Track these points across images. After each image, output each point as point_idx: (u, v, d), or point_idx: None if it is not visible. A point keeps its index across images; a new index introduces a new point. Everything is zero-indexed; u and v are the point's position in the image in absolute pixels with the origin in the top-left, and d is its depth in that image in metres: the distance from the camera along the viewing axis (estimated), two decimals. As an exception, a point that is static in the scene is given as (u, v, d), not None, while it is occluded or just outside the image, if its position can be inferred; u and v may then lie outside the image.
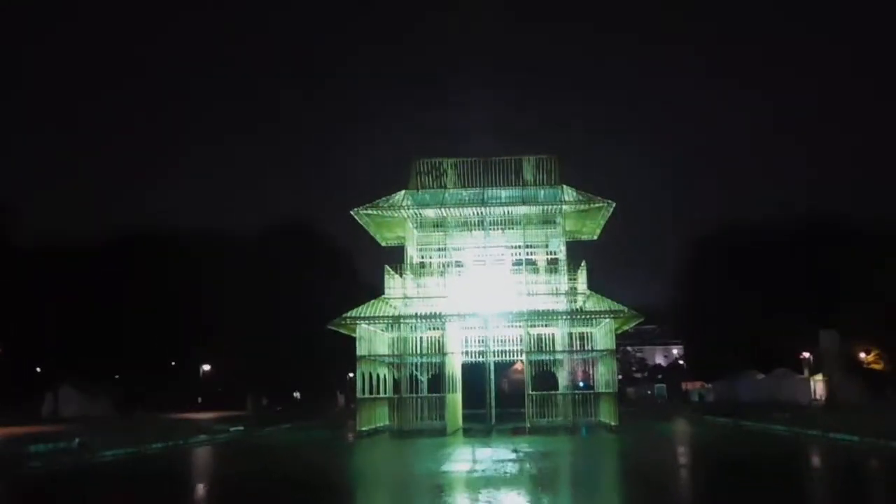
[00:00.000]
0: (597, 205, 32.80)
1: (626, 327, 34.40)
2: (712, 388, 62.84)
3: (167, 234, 62.82)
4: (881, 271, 53.49)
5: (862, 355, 60.06)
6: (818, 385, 57.82)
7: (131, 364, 59.03)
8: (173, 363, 65.20)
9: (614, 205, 32.65)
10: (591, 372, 38.82)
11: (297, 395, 69.68)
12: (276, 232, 60.79)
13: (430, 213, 33.61)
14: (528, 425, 31.43)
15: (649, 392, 61.80)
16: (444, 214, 33.64)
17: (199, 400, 62.29)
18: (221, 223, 63.94)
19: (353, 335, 32.53)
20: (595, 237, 37.26)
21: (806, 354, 60.19)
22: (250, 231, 61.72)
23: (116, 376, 61.25)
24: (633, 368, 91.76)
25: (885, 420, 26.58)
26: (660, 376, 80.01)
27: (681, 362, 79.49)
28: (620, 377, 35.07)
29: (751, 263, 61.10)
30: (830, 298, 56.26)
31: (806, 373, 59.25)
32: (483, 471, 18.60)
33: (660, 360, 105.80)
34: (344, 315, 31.58)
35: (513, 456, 22.09)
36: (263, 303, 56.02)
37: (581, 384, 36.36)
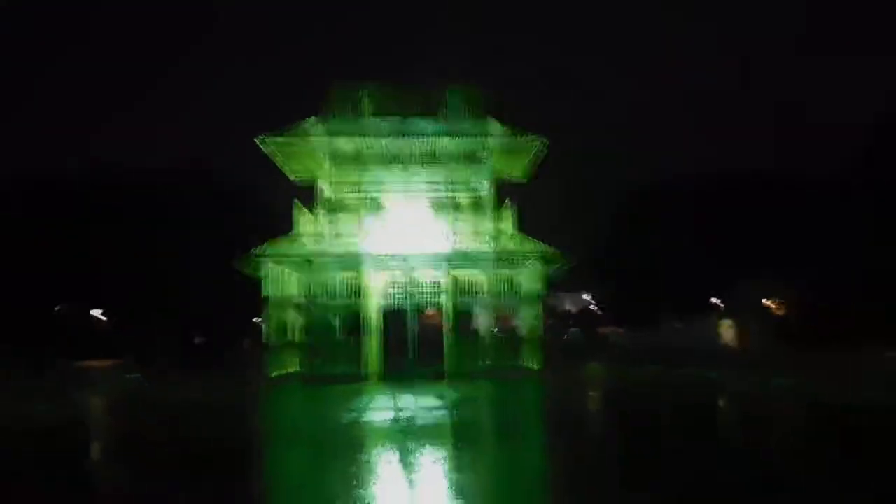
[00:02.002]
0: (526, 140, 30.78)
1: (553, 269, 32.98)
2: (626, 333, 63.35)
3: (55, 174, 57.24)
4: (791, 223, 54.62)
5: (767, 302, 61.70)
6: (728, 331, 59.23)
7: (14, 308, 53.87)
8: (57, 308, 60.10)
9: (546, 142, 30.68)
10: (511, 317, 37.40)
11: (197, 340, 65.84)
12: (173, 169, 56.14)
13: (344, 143, 30.84)
14: (449, 371, 29.78)
15: (565, 337, 61.60)
16: (361, 145, 30.96)
17: (90, 348, 57.76)
18: (114, 161, 58.26)
19: (260, 276, 29.75)
20: (525, 178, 35.28)
21: (716, 300, 61.40)
22: (144, 169, 56.57)
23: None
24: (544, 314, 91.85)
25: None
26: (571, 322, 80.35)
27: (593, 307, 79.98)
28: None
29: (671, 214, 61.23)
30: (743, 249, 57.09)
31: (716, 319, 60.50)
32: (407, 419, 16.67)
33: (570, 306, 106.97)
34: (249, 252, 28.70)
35: (438, 402, 20.31)
36: (160, 244, 51.85)
37: (494, 330, 34.76)
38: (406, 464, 11.51)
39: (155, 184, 54.21)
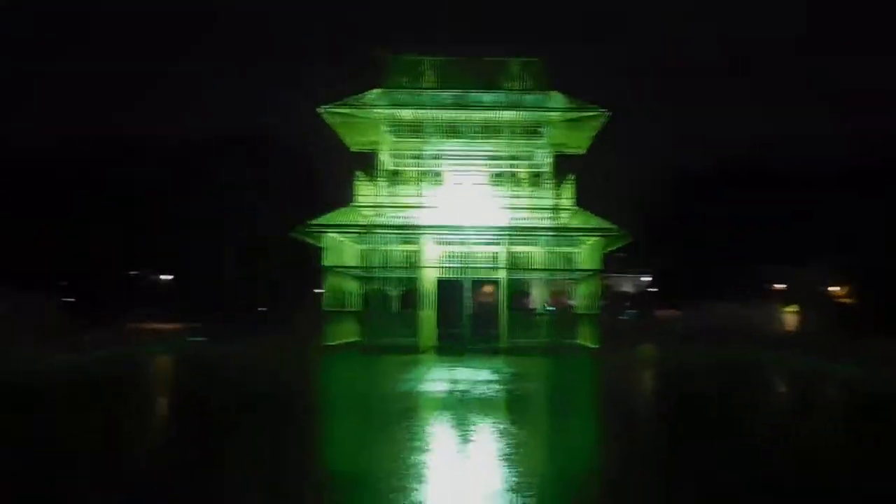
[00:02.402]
0: (589, 113, 30.18)
1: (612, 247, 32.47)
2: (683, 315, 62.12)
3: (126, 141, 58.88)
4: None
5: (833, 289, 59.86)
6: (787, 316, 57.58)
7: (86, 272, 55.99)
8: (133, 273, 62.25)
9: (609, 114, 30.02)
10: (567, 294, 37.01)
11: (261, 309, 67.31)
12: (238, 138, 57.11)
13: (406, 114, 30.75)
14: (504, 345, 29.71)
15: (621, 317, 60.75)
16: (422, 117, 30.83)
17: (159, 311, 59.62)
18: (178, 131, 59.57)
19: (319, 245, 30.08)
20: (584, 151, 34.73)
21: (780, 286, 59.85)
22: (208, 138, 57.75)
23: (65, 283, 58.17)
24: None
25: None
26: (628, 303, 79.22)
27: (652, 290, 78.67)
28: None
29: (733, 196, 59.74)
30: (808, 235, 55.55)
31: (778, 305, 58.88)
32: (463, 392, 16.69)
33: (627, 287, 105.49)
34: (310, 222, 29.01)
35: (493, 376, 20.28)
36: (223, 212, 53.05)
37: (551, 308, 34.45)
38: (461, 433, 11.51)
39: (219, 152, 55.32)
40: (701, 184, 62.56)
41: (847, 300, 60.16)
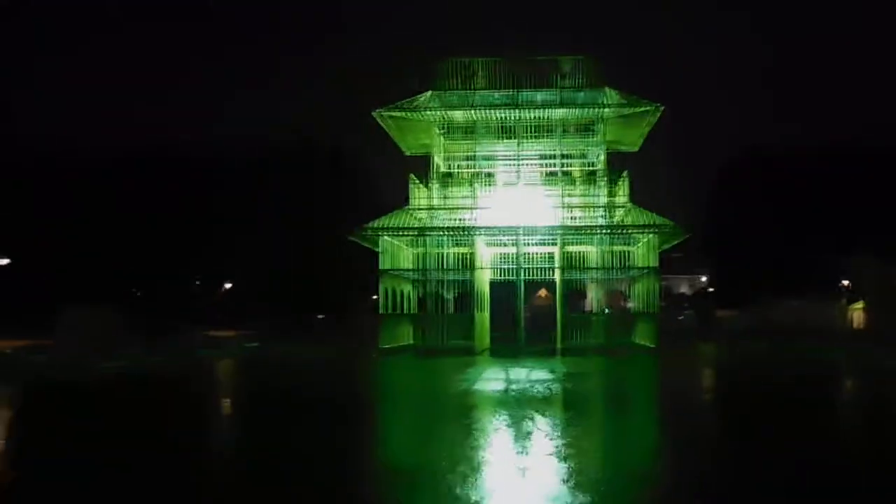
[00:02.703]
0: (642, 108, 29.74)
1: (668, 245, 31.90)
2: (741, 315, 60.56)
3: (180, 151, 60.37)
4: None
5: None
6: (855, 314, 55.66)
7: (152, 281, 57.62)
8: (197, 282, 63.81)
9: (662, 108, 29.55)
10: (624, 294, 36.48)
11: (320, 316, 68.09)
12: (291, 144, 58.00)
13: (458, 115, 30.81)
14: (561, 346, 29.44)
15: (680, 318, 59.57)
16: (474, 117, 30.86)
17: (219, 317, 60.89)
18: (231, 140, 60.68)
19: (376, 249, 30.31)
20: (636, 148, 34.28)
21: (845, 282, 57.82)
22: (262, 145, 58.80)
23: (137, 293, 59.93)
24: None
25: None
26: (685, 304, 77.72)
27: (710, 290, 77.00)
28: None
29: (787, 188, 58.04)
30: (866, 223, 53.63)
31: (843, 301, 56.93)
32: (520, 390, 16.60)
33: (684, 289, 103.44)
34: (366, 226, 29.27)
35: (550, 376, 20.11)
36: (281, 219, 53.90)
37: (607, 307, 33.98)
38: (518, 431, 11.43)
39: (269, 159, 56.26)
40: (761, 170, 60.72)
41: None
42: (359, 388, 18.69)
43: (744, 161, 62.09)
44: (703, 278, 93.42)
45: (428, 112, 30.25)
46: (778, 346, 31.64)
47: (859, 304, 54.80)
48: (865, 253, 52.83)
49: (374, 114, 30.05)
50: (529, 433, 11.19)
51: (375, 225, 29.28)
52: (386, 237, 29.55)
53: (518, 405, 14.26)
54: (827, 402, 16.32)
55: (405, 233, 29.91)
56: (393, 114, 30.28)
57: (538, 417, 12.61)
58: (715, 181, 64.88)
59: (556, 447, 10.18)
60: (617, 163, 32.60)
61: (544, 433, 11.18)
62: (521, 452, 9.98)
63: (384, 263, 29.54)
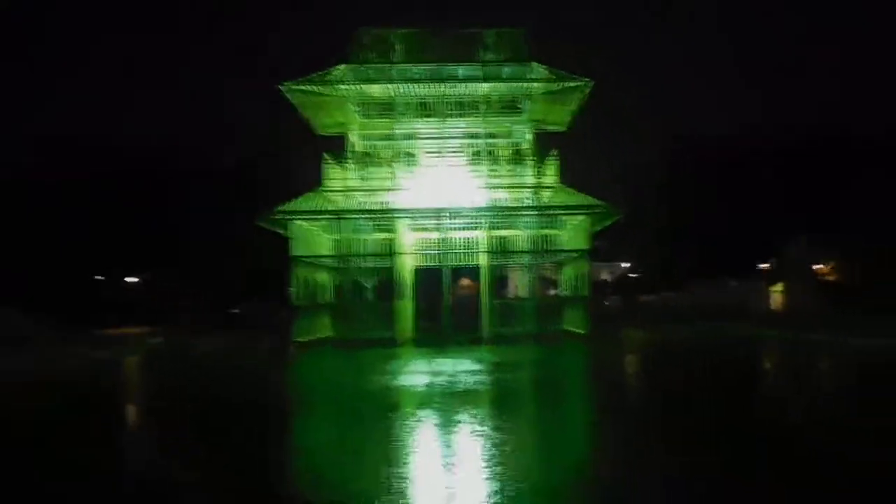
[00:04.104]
0: (572, 84, 28.24)
1: (599, 227, 30.60)
2: (664, 299, 60.81)
3: (85, 143, 56.04)
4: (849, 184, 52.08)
5: (819, 267, 58.82)
6: (774, 295, 56.52)
7: (57, 278, 53.18)
8: (99, 278, 59.43)
9: (591, 84, 28.12)
10: (553, 278, 35.23)
11: (234, 310, 64.63)
12: (201, 132, 54.62)
13: (375, 90, 28.62)
14: (488, 334, 27.81)
15: (606, 303, 59.21)
16: (393, 93, 28.73)
17: (126, 315, 56.88)
18: (132, 131, 56.82)
19: (287, 235, 27.91)
20: (565, 128, 32.78)
21: (765, 265, 58.75)
22: (168, 134, 55.29)
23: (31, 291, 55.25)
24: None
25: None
26: (609, 290, 77.84)
27: (633, 275, 77.30)
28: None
29: (718, 174, 58.30)
30: (794, 211, 54.40)
31: (764, 284, 57.80)
32: (447, 383, 14.74)
33: (606, 276, 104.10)
34: (276, 209, 26.82)
35: (478, 367, 18.35)
36: (187, 210, 50.55)
37: (535, 292, 32.55)
38: (445, 438, 9.61)
39: (178, 151, 52.85)
40: (684, 158, 60.84)
41: (831, 277, 59.21)
42: (263, 387, 16.37)
43: (669, 147, 62.05)
44: (625, 265, 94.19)
45: (342, 86, 27.96)
46: (705, 330, 31.05)
47: (779, 287, 55.62)
48: (786, 238, 53.78)
49: (281, 88, 27.55)
50: (458, 440, 9.34)
51: (286, 208, 26.86)
52: (298, 221, 27.18)
53: (445, 404, 12.40)
54: (756, 381, 15.19)
55: (319, 216, 27.58)
56: (303, 88, 27.83)
57: (467, 419, 10.76)
58: (640, 166, 64.73)
59: (491, 456, 8.35)
60: (547, 143, 31.13)
61: (475, 439, 9.35)
62: (449, 466, 8.12)
63: (296, 250, 27.17)
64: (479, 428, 9.90)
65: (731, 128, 61.96)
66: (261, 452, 9.06)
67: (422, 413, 11.63)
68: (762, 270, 58.92)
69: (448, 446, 9.00)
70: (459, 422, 10.38)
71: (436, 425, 10.36)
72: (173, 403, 13.52)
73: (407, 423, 10.70)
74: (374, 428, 10.44)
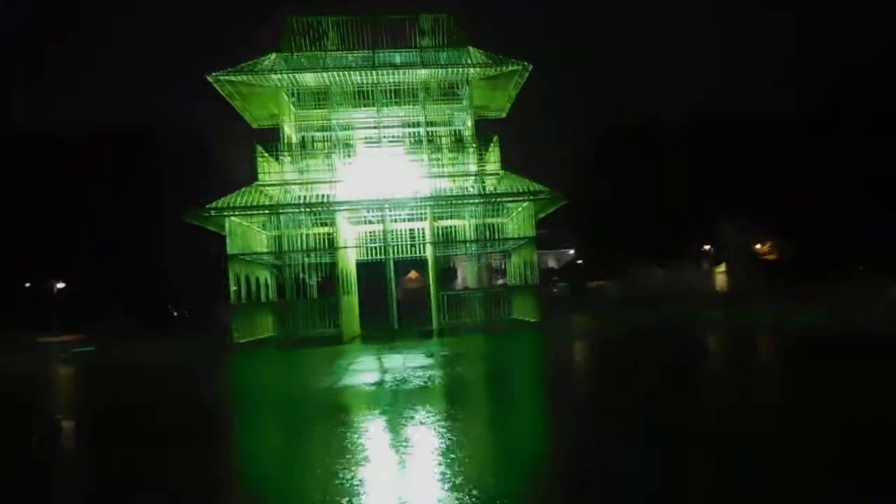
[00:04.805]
0: (510, 68, 27.63)
1: (544, 213, 30.08)
2: (612, 284, 61.19)
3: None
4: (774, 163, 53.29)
5: (757, 246, 60.03)
6: (718, 276, 57.45)
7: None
8: (27, 284, 56.37)
9: (530, 68, 27.56)
10: (501, 266, 34.67)
11: (175, 312, 62.13)
12: (121, 128, 52.01)
13: (309, 78, 27.43)
14: (437, 327, 27.05)
15: (554, 291, 59.24)
16: (327, 81, 27.60)
17: (55, 321, 54.11)
18: (54, 126, 53.97)
19: (223, 233, 26.57)
20: (504, 114, 32.27)
21: (707, 247, 59.64)
22: (88, 131, 52.32)
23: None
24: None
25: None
26: (555, 278, 78.13)
27: (579, 262, 77.67)
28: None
29: (652, 158, 58.66)
30: (728, 193, 55.24)
31: (707, 265, 58.70)
32: (398, 381, 13.89)
33: (552, 263, 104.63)
34: (208, 206, 25.45)
35: (430, 361, 17.54)
36: (118, 209, 48.23)
37: (483, 281, 31.92)
38: (394, 432, 8.77)
39: (109, 146, 50.33)
40: (621, 141, 61.22)
41: (770, 256, 60.48)
42: (196, 393, 15.18)
43: (612, 131, 62.24)
44: (571, 251, 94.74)
45: (274, 75, 26.68)
46: (656, 313, 31.01)
47: (722, 268, 56.53)
48: (726, 220, 54.69)
49: (210, 78, 26.17)
50: (413, 443, 8.51)
51: (219, 204, 25.52)
52: (233, 218, 25.87)
53: (396, 402, 11.54)
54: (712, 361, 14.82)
55: (254, 211, 26.29)
56: (232, 78, 26.50)
57: (422, 419, 9.92)
58: (583, 152, 64.87)
59: (450, 461, 7.54)
60: (488, 130, 30.47)
61: (432, 440, 8.53)
62: (404, 473, 7.28)
63: (233, 247, 25.88)
64: (435, 429, 9.08)
65: (668, 113, 62.27)
66: (191, 466, 8.06)
67: (371, 415, 10.76)
68: (705, 252, 59.81)
69: (402, 451, 8.15)
70: (414, 423, 9.54)
71: (387, 428, 9.49)
72: (93, 415, 12.30)
73: (356, 427, 9.79)
74: (320, 434, 9.53)
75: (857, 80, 54.69)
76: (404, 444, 8.48)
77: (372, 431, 9.35)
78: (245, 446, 9.61)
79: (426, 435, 8.73)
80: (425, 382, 13.52)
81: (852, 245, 49.42)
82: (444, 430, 8.99)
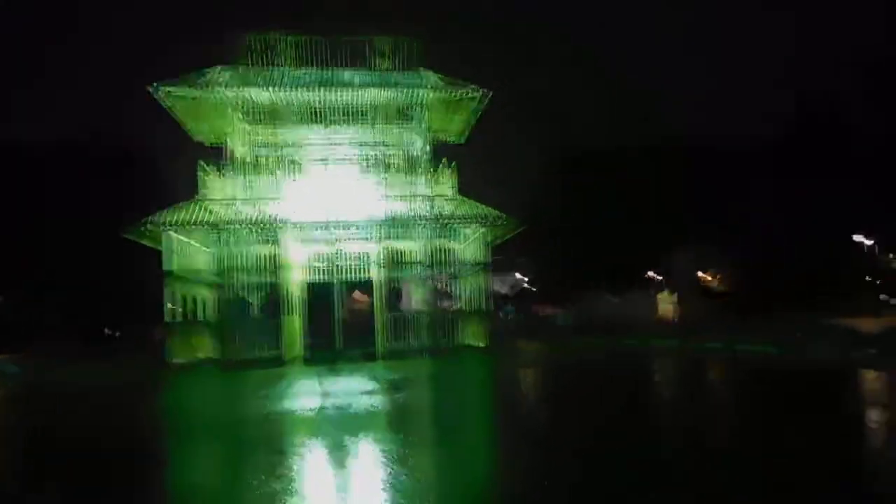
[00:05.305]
0: (467, 93, 27.34)
1: (500, 239, 29.74)
2: (562, 312, 61.33)
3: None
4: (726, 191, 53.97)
5: (705, 276, 60.87)
6: (665, 304, 57.98)
7: None
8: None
9: (490, 94, 27.32)
10: (450, 291, 34.17)
11: (108, 331, 59.82)
12: (59, 139, 50.25)
13: (258, 94, 26.66)
14: (382, 350, 26.38)
15: (501, 315, 58.98)
16: (278, 98, 26.91)
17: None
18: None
19: (160, 248, 25.54)
20: (462, 139, 31.87)
21: (652, 274, 60.19)
22: (32, 142, 50.44)
23: None
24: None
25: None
26: (506, 304, 78.00)
27: (528, 286, 77.75)
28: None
29: (605, 184, 59.11)
30: (679, 220, 55.77)
31: (654, 294, 59.22)
32: (337, 407, 13.23)
33: (503, 288, 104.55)
34: (144, 220, 24.42)
35: (373, 386, 16.91)
36: (54, 223, 46.37)
37: (432, 305, 31.44)
38: (334, 462, 8.17)
39: (45, 157, 48.50)
40: (573, 169, 61.55)
41: (718, 286, 61.34)
42: (125, 418, 14.23)
43: (564, 158, 62.56)
44: (523, 277, 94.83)
45: (222, 90, 25.87)
46: (607, 342, 30.85)
47: (665, 296, 57.05)
48: (676, 248, 55.19)
49: (151, 90, 25.20)
50: (353, 475, 7.92)
51: (157, 219, 24.51)
52: (171, 233, 24.88)
53: (336, 431, 10.87)
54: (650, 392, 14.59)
55: (194, 227, 25.30)
56: (177, 90, 25.60)
57: (362, 448, 9.31)
58: (538, 179, 65.08)
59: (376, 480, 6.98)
60: (446, 154, 30.16)
61: (372, 473, 7.95)
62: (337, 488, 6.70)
63: (170, 264, 24.86)
64: (376, 460, 8.49)
65: (621, 139, 62.80)
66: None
67: (309, 443, 10.10)
68: (651, 280, 60.32)
69: (341, 485, 7.54)
70: (353, 453, 8.93)
71: (327, 458, 8.86)
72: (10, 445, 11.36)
73: (292, 456, 9.13)
74: (252, 464, 8.85)
75: (816, 110, 55.71)
76: (341, 473, 7.88)
77: (307, 460, 8.71)
78: (180, 475, 8.87)
79: (363, 464, 8.15)
80: (366, 408, 12.91)
81: (801, 275, 49.97)
82: (384, 459, 8.41)
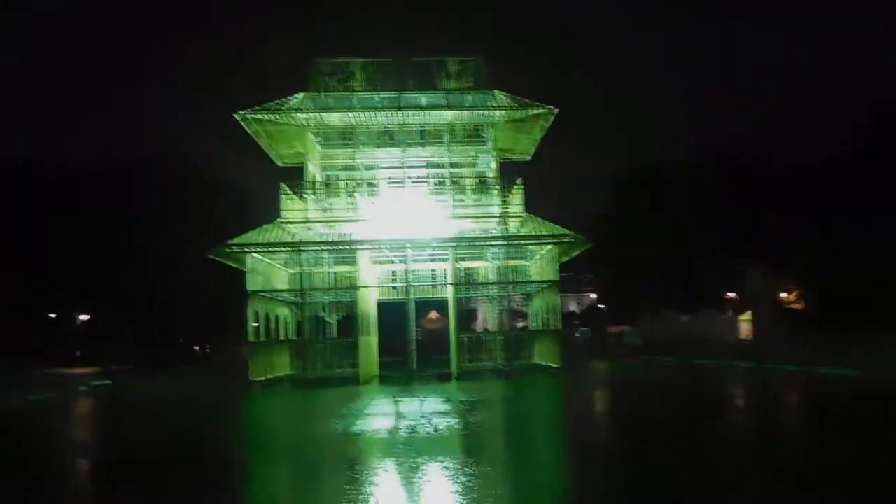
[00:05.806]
0: (535, 111, 27.63)
1: (567, 257, 29.79)
2: (635, 330, 60.31)
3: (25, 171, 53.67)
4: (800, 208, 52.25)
5: (784, 295, 58.93)
6: (742, 325, 56.43)
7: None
8: (52, 315, 56.76)
9: (556, 112, 27.54)
10: (523, 310, 34.28)
11: (197, 348, 62.11)
12: (149, 162, 52.58)
13: (334, 118, 27.60)
14: (456, 371, 26.64)
15: (576, 335, 58.52)
16: (353, 121, 27.74)
17: (78, 353, 54.36)
18: (80, 158, 54.66)
19: (243, 269, 26.57)
20: (529, 157, 32.25)
21: (731, 294, 58.61)
22: (117, 163, 53.03)
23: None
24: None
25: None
26: (577, 322, 77.32)
27: (601, 306, 76.83)
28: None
29: (676, 202, 58.00)
30: (755, 238, 54.23)
31: (731, 313, 57.69)
32: (412, 429, 13.52)
33: (573, 307, 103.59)
34: (230, 241, 25.49)
35: (448, 407, 17.15)
36: (145, 243, 48.53)
37: (505, 324, 31.54)
38: (408, 487, 8.42)
39: (133, 180, 50.90)
40: (646, 186, 60.57)
41: (796, 305, 59.34)
42: (204, 433, 14.88)
43: (634, 174, 61.73)
44: (593, 295, 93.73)
45: (301, 114, 26.91)
46: (682, 362, 30.29)
47: (746, 316, 55.51)
48: (750, 265, 53.69)
49: (237, 117, 26.45)
50: (417, 490, 8.15)
51: (241, 241, 25.55)
52: (254, 254, 25.87)
53: (411, 453, 11.13)
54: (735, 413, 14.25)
55: (276, 248, 26.29)
56: (260, 117, 26.77)
57: (436, 473, 9.54)
58: (605, 195, 64.39)
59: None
60: (513, 172, 30.44)
61: (434, 490, 8.18)
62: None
63: (253, 284, 25.83)
64: (450, 485, 8.71)
65: (697, 154, 61.37)
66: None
67: (382, 466, 10.39)
68: (728, 300, 58.80)
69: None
70: (426, 478, 9.17)
71: (400, 480, 9.13)
72: (97, 453, 12.07)
73: (364, 479, 9.44)
74: (324, 485, 9.20)
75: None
76: (404, 490, 8.12)
77: (382, 484, 9.00)
78: (248, 493, 9.31)
79: (437, 489, 8.38)
80: (442, 431, 13.15)
81: (882, 291, 47.96)
82: (458, 482, 8.63)
